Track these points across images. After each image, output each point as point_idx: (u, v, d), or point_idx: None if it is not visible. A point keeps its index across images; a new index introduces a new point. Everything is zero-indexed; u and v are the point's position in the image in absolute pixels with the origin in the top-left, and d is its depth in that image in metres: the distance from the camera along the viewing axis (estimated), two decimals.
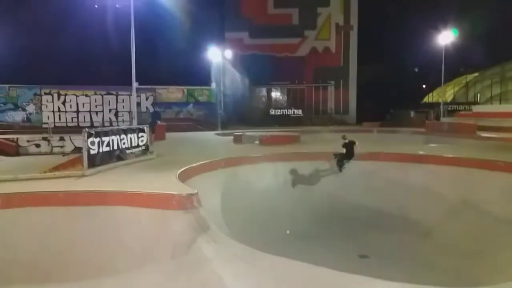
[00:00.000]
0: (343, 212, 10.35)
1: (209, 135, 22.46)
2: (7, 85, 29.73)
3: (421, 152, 12.68)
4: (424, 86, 48.71)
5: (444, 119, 26.50)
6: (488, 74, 43.19)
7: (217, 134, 22.52)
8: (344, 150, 11.75)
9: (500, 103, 38.86)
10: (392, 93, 38.87)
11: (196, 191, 7.16)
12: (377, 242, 9.48)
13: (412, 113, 34.98)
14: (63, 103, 27.72)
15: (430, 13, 36.93)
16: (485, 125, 20.96)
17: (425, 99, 48.32)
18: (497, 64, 41.72)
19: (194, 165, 10.11)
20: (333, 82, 41.48)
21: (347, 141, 11.80)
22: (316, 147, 14.70)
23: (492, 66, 42.45)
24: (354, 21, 41.64)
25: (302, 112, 37.42)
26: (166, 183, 7.79)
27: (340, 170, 11.83)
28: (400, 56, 39.78)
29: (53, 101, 27.43)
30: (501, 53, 38.02)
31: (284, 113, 37.39)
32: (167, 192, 7.00)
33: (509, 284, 6.13)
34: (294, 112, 37.30)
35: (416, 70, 47.15)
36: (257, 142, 16.06)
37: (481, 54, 37.98)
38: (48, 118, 26.48)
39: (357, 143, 11.71)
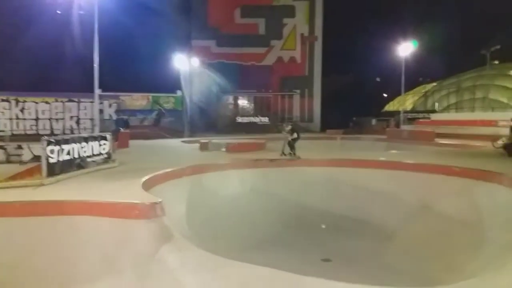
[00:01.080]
0: (308, 218, 10.50)
1: (175, 142, 22.21)
2: None
3: (382, 158, 13.09)
4: (385, 95, 50.43)
5: (404, 127, 27.48)
6: (446, 84, 45.36)
7: (183, 141, 22.31)
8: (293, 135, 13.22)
9: (456, 112, 40.82)
10: (355, 101, 40.02)
11: (160, 200, 7.06)
12: (341, 246, 9.68)
13: (373, 121, 36.07)
14: (22, 110, 26.62)
15: (391, 26, 38.36)
16: (443, 132, 21.93)
17: (386, 108, 50.02)
18: (454, 75, 43.99)
19: (159, 173, 9.96)
20: (298, 91, 42.25)
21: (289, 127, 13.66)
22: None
23: (449, 76, 44.67)
24: (318, 32, 42.65)
25: (268, 119, 37.75)
26: (128, 191, 7.63)
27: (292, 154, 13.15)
28: (363, 66, 41.14)
29: (10, 108, 26.27)
30: (457, 65, 40.11)
31: (251, 120, 37.57)
32: (129, 201, 6.85)
33: (464, 283, 6.39)
34: (260, 119, 37.55)
35: (378, 79, 48.82)
36: (224, 149, 16.05)
37: (439, 65, 39.89)
38: (5, 126, 25.36)
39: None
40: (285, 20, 42.71)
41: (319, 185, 11.92)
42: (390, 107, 49.61)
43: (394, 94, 45.53)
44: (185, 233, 8.00)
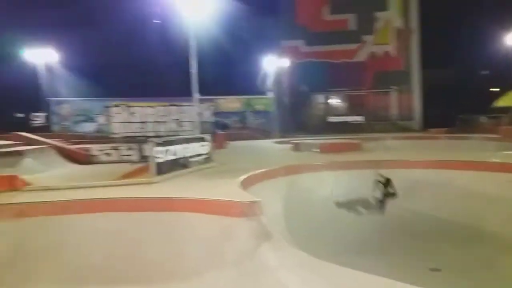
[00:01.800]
0: (412, 223, 9.82)
1: (268, 143, 22.56)
2: (80, 99, 32.17)
3: (496, 160, 11.76)
4: (495, 89, 45.40)
5: None
6: None
7: (275, 142, 22.55)
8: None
9: None
10: (460, 97, 36.54)
11: (259, 199, 7.18)
12: (451, 255, 8.86)
13: (483, 118, 32.55)
14: (131, 114, 29.36)
15: (499, 11, 34.48)
16: None
17: (497, 103, 44.96)
18: None
19: (255, 172, 10.17)
20: (394, 87, 39.94)
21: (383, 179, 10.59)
22: (379, 154, 14.19)
23: None
24: (415, 23, 39.91)
25: (362, 118, 36.35)
26: (229, 190, 7.91)
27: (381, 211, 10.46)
28: (468, 58, 37.41)
29: (121, 113, 29.14)
30: None
31: (343, 120, 36.59)
32: (230, 199, 7.09)
33: None
34: (354, 119, 36.36)
35: (486, 72, 44.10)
36: (317, 149, 15.84)
37: None
38: (117, 128, 28.19)
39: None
40: (377, 14, 40.77)
41: (423, 188, 11.08)
42: (501, 102, 44.49)
43: (506, 88, 40.72)
44: (282, 233, 8.02)
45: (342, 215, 10.39)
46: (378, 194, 10.41)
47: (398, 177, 10.81)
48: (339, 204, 10.73)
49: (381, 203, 10.45)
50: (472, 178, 11.07)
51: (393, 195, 10.38)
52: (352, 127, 33.20)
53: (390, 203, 10.32)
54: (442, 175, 11.55)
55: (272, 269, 5.82)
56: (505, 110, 32.02)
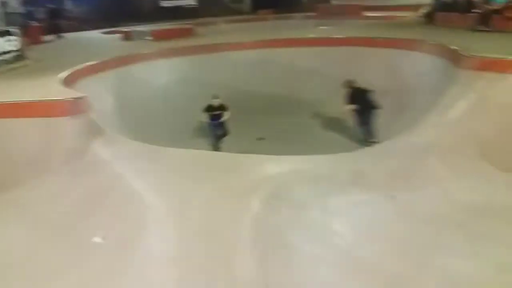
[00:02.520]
0: (241, 101, 10.58)
1: (94, 34, 20.35)
2: None
3: (311, 36, 13.07)
4: None
5: (334, 2, 27.03)
6: None
7: (103, 32, 20.46)
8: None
9: None
10: None
11: (85, 95, 6.70)
12: (274, 125, 10.09)
13: None
14: None
15: None
16: (370, 5, 21.94)
17: None
18: None
19: (79, 67, 9.27)
20: None
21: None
22: (213, 39, 14.26)
23: None
24: None
25: (195, 2, 35.02)
26: (49, 89, 7.10)
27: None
28: None
29: None
30: None
31: (176, 4, 34.71)
32: (51, 99, 6.42)
33: (385, 143, 7.10)
34: (187, 3, 34.79)
35: None
36: (149, 37, 15.03)
37: None
38: None
39: None
40: None
41: (249, 68, 11.84)
42: None
43: None
44: (117, 127, 7.85)
45: (177, 103, 10.56)
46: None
47: (230, 59, 11.26)
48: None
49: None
50: (293, 54, 12.24)
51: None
52: (186, 12, 31.97)
53: (223, 86, 10.80)
54: (269, 53, 12.43)
55: (106, 163, 5.77)
56: None
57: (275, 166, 5.89)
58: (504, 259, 4.46)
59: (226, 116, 9.11)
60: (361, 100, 8.68)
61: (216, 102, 9.15)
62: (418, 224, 5.07)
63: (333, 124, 9.89)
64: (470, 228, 5.05)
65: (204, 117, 9.25)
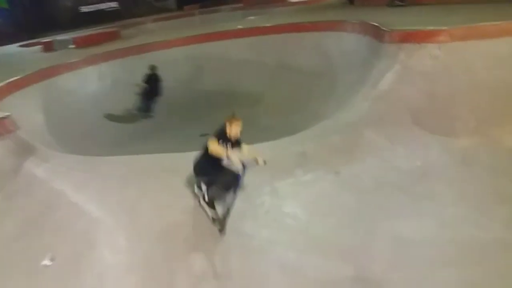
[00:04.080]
0: (179, 100, 10.44)
1: (11, 49, 18.92)
2: None
3: (240, 27, 13.10)
4: None
5: None
6: None
7: (21, 45, 19.08)
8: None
9: None
10: None
11: (8, 113, 6.26)
12: (216, 119, 9.97)
13: None
14: None
15: None
16: None
17: None
18: None
19: (0, 85, 8.60)
20: None
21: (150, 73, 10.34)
22: (139, 39, 13.85)
23: None
24: None
25: (116, 4, 33.64)
26: None
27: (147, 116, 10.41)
28: None
29: None
30: None
31: (96, 8, 33.15)
32: None
33: (322, 123, 7.33)
34: (108, 5, 33.35)
35: None
36: (71, 46, 14.27)
37: None
38: None
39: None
40: None
41: (183, 66, 11.67)
42: None
43: None
44: (49, 142, 7.40)
45: (113, 109, 10.17)
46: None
47: (160, 58, 10.99)
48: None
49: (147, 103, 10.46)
50: (225, 47, 12.20)
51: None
52: (108, 15, 30.70)
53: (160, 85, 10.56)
54: (200, 49, 12.31)
55: (41, 181, 5.44)
56: None
57: None
58: (443, 216, 4.84)
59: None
60: (152, 83, 10.21)
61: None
62: (363, 194, 5.34)
63: (273, 111, 10.02)
64: (411, 192, 5.41)
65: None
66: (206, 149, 3.88)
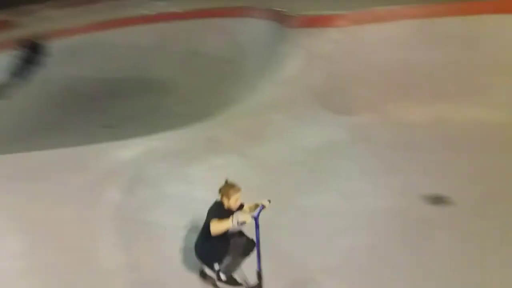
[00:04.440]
0: (82, 90, 9.74)
1: None
2: None
3: (146, 12, 12.56)
4: None
5: None
6: None
7: None
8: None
9: None
10: None
11: None
12: (122, 109, 9.53)
13: None
14: None
15: None
16: None
17: None
18: None
19: None
20: None
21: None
22: (37, 28, 12.57)
23: None
24: None
25: None
26: None
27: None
28: None
29: None
30: None
31: None
32: None
33: (233, 108, 7.36)
34: None
35: None
36: None
37: None
38: None
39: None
40: None
41: (85, 54, 10.91)
42: None
43: None
44: None
45: (5, 104, 9.20)
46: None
47: (58, 46, 10.15)
48: None
49: (22, 70, 10.01)
50: (133, 34, 11.63)
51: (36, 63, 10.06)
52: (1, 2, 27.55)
53: (53, 77, 9.73)
54: (104, 36, 11.60)
55: None
56: None
57: (126, 151, 5.65)
58: (344, 189, 5.14)
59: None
60: (34, 51, 10.02)
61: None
62: (273, 174, 5.47)
63: (184, 98, 9.80)
64: (317, 168, 5.66)
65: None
66: (207, 232, 3.16)
